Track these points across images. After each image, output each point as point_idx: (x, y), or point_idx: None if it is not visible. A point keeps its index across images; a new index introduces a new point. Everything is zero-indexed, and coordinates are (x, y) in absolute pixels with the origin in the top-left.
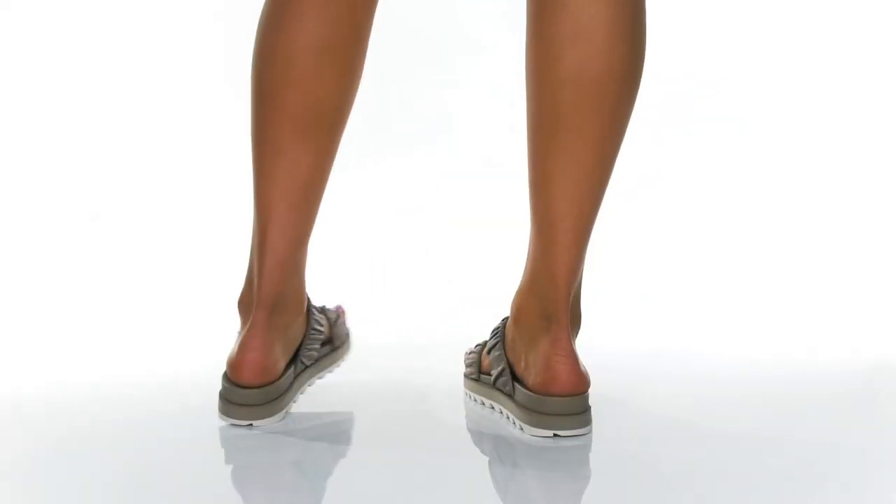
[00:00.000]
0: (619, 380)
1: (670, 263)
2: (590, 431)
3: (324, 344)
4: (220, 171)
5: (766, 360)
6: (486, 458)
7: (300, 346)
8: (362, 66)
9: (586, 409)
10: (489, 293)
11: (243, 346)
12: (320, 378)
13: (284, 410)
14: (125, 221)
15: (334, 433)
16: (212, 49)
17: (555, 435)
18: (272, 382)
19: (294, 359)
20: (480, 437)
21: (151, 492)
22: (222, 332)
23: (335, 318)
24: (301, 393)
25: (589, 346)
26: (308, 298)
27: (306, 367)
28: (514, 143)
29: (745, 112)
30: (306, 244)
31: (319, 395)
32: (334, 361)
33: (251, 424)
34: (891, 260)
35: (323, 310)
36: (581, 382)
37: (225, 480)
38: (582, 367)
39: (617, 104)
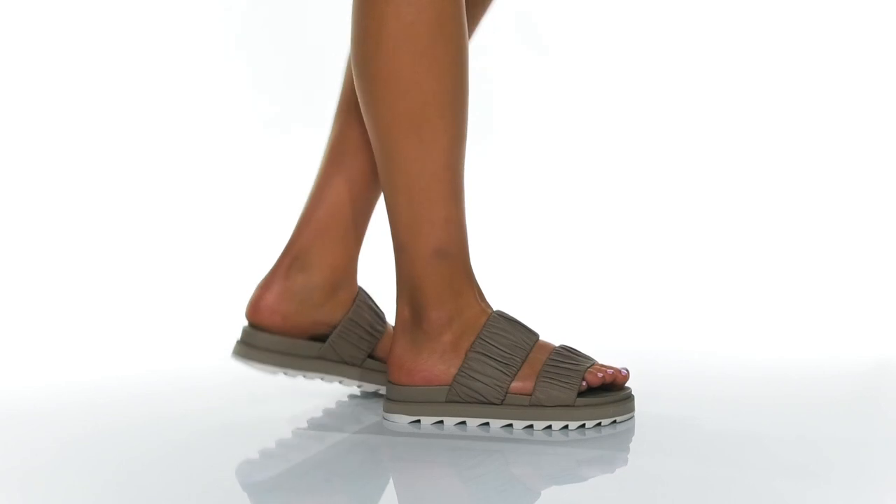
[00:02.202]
0: None
1: (670, 263)
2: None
3: (372, 356)
4: (224, 168)
5: (766, 360)
6: (486, 457)
7: (335, 329)
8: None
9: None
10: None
11: (259, 284)
12: (360, 387)
13: (280, 368)
14: (125, 221)
15: (336, 431)
16: (212, 49)
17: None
18: (272, 330)
19: (325, 337)
20: (483, 436)
21: (152, 492)
22: (224, 333)
23: None
24: (321, 378)
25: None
26: (366, 296)
27: (343, 360)
28: (520, 145)
29: (745, 111)
30: (344, 215)
31: (323, 393)
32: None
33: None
34: (891, 260)
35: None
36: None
37: (226, 481)
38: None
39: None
